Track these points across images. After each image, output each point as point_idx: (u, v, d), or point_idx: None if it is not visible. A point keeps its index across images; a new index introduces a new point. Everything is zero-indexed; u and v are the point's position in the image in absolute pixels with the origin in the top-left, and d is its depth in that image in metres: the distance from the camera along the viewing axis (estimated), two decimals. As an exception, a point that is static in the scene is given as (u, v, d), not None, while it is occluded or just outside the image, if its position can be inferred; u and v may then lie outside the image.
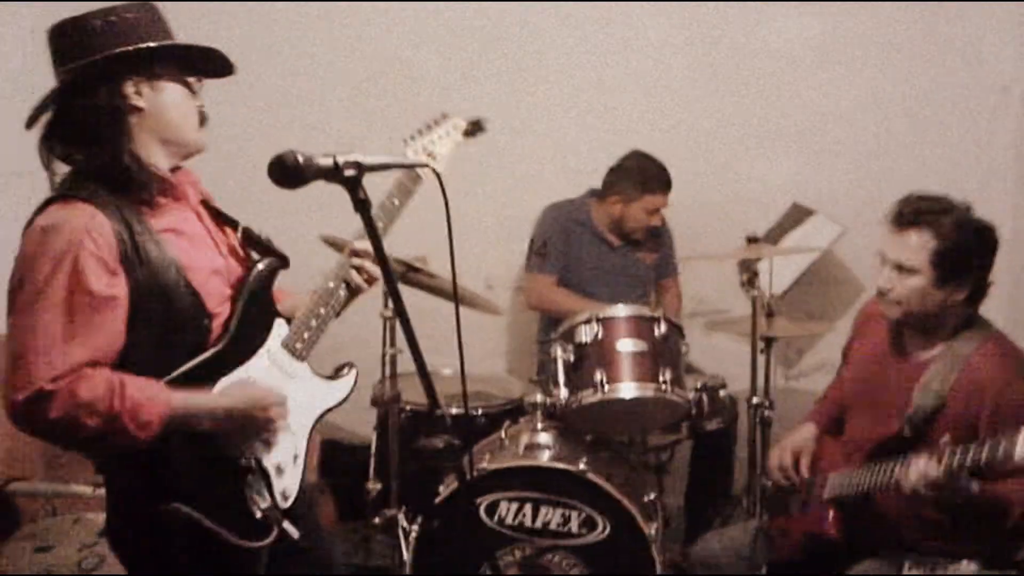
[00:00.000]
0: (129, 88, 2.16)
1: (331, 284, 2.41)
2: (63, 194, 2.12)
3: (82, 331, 2.00)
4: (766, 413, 3.92)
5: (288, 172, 1.82)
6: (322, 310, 2.38)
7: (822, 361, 4.97)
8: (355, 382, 2.47)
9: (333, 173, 1.85)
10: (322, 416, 2.41)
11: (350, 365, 2.47)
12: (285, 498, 2.26)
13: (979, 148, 4.67)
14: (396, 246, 3.06)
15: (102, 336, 2.03)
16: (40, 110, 2.16)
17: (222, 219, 2.38)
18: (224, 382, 2.19)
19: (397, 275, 2.48)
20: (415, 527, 3.33)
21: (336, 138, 4.38)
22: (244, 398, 2.18)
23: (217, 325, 2.21)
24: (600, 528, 3.30)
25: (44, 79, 2.20)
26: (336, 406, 2.42)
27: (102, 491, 3.19)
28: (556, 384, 3.50)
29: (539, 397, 3.55)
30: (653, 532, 3.30)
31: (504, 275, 4.92)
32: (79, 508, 3.34)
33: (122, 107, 2.15)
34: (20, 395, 1.96)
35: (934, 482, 2.42)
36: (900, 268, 2.72)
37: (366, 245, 2.40)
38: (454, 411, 3.69)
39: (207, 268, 2.22)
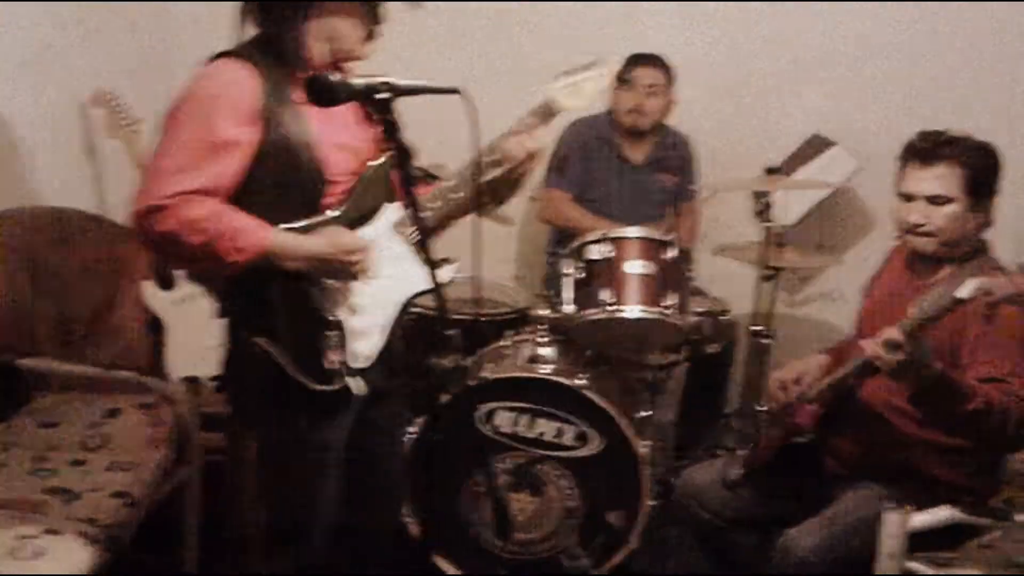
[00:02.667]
0: None
1: (452, 182, 2.53)
2: (231, 51, 2.36)
3: (203, 165, 2.24)
4: (765, 341, 3.97)
5: (323, 91, 1.94)
6: (437, 204, 2.52)
7: (826, 290, 5.02)
8: (453, 276, 2.61)
9: (366, 94, 1.92)
10: (415, 296, 2.56)
11: (452, 259, 2.58)
12: (357, 359, 2.45)
13: (1008, 92, 4.63)
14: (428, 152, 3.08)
15: (219, 173, 2.26)
16: None
17: (370, 115, 2.51)
18: None
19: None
20: (412, 429, 3.41)
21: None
22: (331, 242, 2.36)
23: (333, 194, 2.42)
24: (593, 443, 3.36)
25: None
26: (429, 291, 2.46)
27: (110, 372, 3.30)
28: (562, 299, 3.54)
29: (545, 311, 3.60)
30: (644, 451, 3.36)
31: (519, 182, 4.91)
32: (88, 388, 3.38)
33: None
34: (139, 206, 2.23)
35: (895, 342, 2.50)
36: (935, 201, 2.81)
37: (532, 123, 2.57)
38: (460, 317, 3.77)
39: (335, 142, 2.40)
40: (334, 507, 2.58)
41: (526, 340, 3.65)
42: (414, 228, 2.42)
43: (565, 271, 3.55)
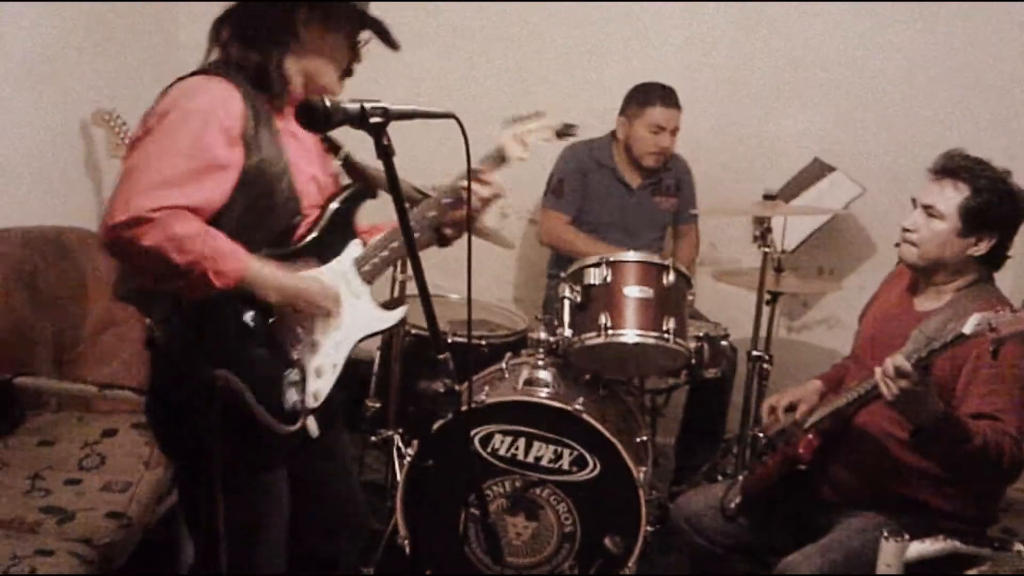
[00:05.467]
0: (300, 15, 2.33)
1: (412, 223, 2.44)
2: (208, 69, 2.31)
3: (194, 183, 2.15)
4: (764, 366, 3.96)
5: (316, 116, 1.91)
6: (395, 243, 2.50)
7: (826, 315, 5.01)
8: (404, 318, 2.65)
9: (360, 119, 1.91)
10: (365, 338, 2.53)
11: (404, 302, 2.60)
12: (316, 399, 2.39)
13: (1009, 118, 4.63)
14: (415, 176, 3.09)
15: (206, 192, 2.17)
16: None
17: (329, 144, 2.56)
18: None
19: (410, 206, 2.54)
20: (410, 450, 3.41)
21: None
22: (312, 287, 2.33)
23: (303, 226, 2.38)
24: (590, 467, 3.34)
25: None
26: (380, 332, 2.60)
27: (108, 392, 3.29)
28: (561, 323, 3.53)
29: (543, 334, 3.58)
30: (641, 476, 3.34)
31: (520, 205, 4.93)
32: (84, 407, 3.37)
33: (286, 28, 2.33)
34: (120, 217, 2.07)
35: (903, 371, 2.49)
36: (929, 212, 2.83)
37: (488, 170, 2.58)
38: (457, 339, 3.76)
39: (308, 173, 2.39)
40: (280, 547, 2.47)
41: (524, 363, 3.64)
42: (374, 264, 2.48)
43: (563, 294, 3.55)
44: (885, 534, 2.60)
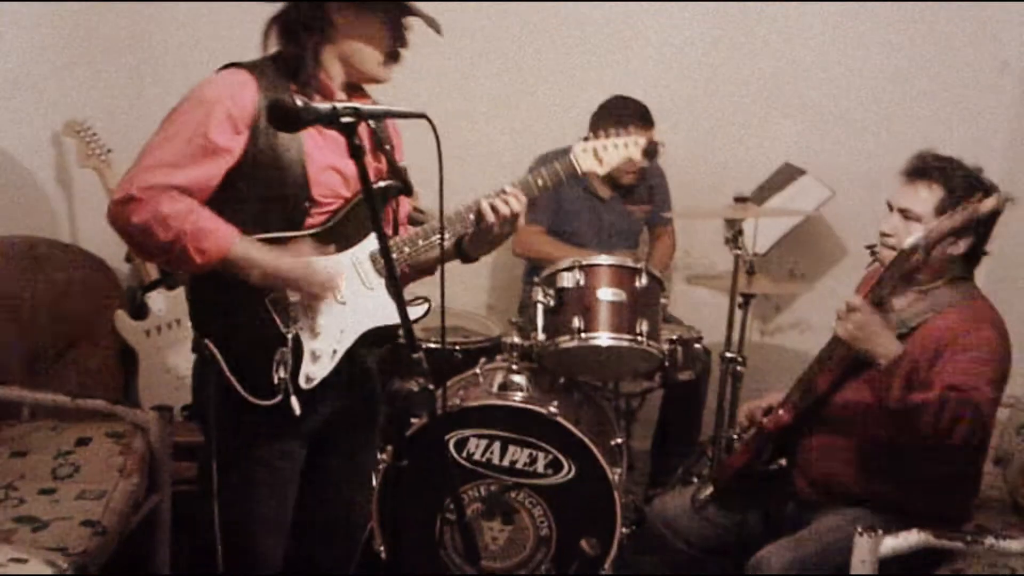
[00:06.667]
0: (333, 4, 2.40)
1: (426, 229, 2.56)
2: (237, 63, 2.41)
3: (188, 165, 2.30)
4: (738, 368, 3.98)
5: (288, 115, 1.94)
6: (420, 242, 2.54)
7: (798, 319, 5.04)
8: (424, 315, 2.62)
9: (331, 118, 1.92)
10: (376, 330, 2.55)
11: (426, 299, 2.59)
12: (307, 381, 2.44)
13: (974, 122, 4.67)
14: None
15: (199, 173, 2.31)
16: None
17: (377, 143, 2.57)
18: None
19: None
20: (384, 456, 3.41)
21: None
22: (299, 272, 2.37)
23: (318, 213, 2.44)
24: (565, 470, 3.35)
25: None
26: (392, 327, 2.56)
27: (81, 401, 3.28)
28: (534, 327, 3.54)
29: (516, 338, 3.59)
30: (616, 478, 3.35)
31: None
32: (58, 417, 3.36)
33: (320, 18, 2.41)
34: (118, 195, 2.29)
35: (851, 305, 2.64)
36: (906, 215, 2.85)
37: (515, 191, 2.58)
38: (431, 345, 3.77)
39: (326, 163, 2.43)
40: (277, 532, 2.58)
41: (498, 368, 3.64)
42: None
43: (536, 299, 3.56)
44: (859, 529, 2.61)
